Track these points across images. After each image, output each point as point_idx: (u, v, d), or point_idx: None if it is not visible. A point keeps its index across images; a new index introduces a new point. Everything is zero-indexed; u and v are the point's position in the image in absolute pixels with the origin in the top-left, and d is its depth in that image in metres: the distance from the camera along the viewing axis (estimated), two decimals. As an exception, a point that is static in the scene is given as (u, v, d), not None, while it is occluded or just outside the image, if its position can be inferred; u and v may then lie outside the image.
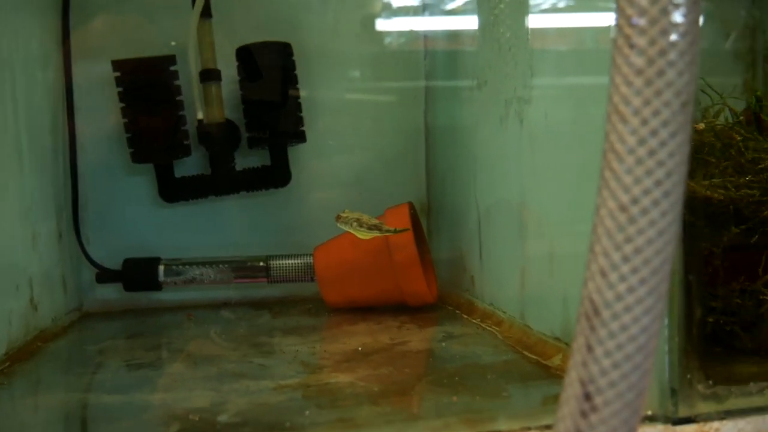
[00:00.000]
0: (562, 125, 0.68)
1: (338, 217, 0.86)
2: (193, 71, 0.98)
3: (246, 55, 0.99)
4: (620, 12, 0.36)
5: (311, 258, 0.99)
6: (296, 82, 1.01)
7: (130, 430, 0.55)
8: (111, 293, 1.05)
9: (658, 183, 0.35)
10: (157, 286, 1.02)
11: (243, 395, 0.60)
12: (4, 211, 0.78)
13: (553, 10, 0.72)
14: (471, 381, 0.62)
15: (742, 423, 0.52)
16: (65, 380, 0.70)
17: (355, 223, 0.85)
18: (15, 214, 0.81)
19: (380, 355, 0.73)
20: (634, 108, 0.35)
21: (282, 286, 1.04)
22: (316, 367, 0.70)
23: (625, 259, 0.36)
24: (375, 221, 0.86)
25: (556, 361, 0.65)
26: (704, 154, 0.70)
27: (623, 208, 0.36)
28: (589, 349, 0.36)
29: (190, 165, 1.03)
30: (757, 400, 0.53)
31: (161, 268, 1.01)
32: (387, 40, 1.13)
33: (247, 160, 1.04)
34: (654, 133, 0.35)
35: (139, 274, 1.01)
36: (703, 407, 0.52)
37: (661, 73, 0.35)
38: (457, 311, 0.94)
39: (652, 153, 0.35)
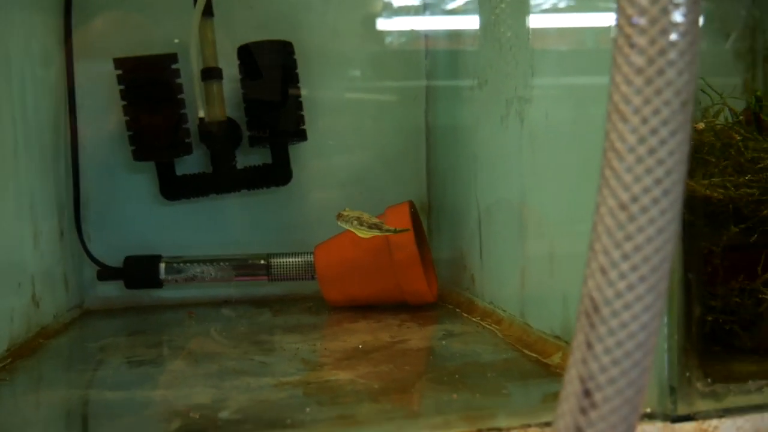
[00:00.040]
0: (563, 125, 0.69)
1: (339, 216, 0.87)
2: (195, 69, 0.99)
3: (247, 53, 0.99)
4: (621, 11, 0.36)
5: (312, 256, 1.00)
6: (297, 81, 1.02)
7: (131, 427, 0.55)
8: (112, 291, 1.05)
9: (657, 181, 0.36)
10: (158, 284, 1.02)
11: (244, 392, 0.60)
12: (7, 208, 0.78)
13: (554, 10, 0.73)
14: (471, 379, 0.62)
15: (740, 421, 0.52)
16: (67, 377, 0.71)
17: (355, 222, 0.85)
18: (17, 211, 0.81)
19: (380, 352, 0.73)
20: (635, 107, 0.35)
21: (282, 284, 1.04)
22: (317, 365, 0.70)
23: (625, 256, 0.36)
24: (375, 220, 0.87)
25: (555, 359, 0.65)
26: (704, 153, 0.70)
27: (623, 207, 0.36)
28: (589, 346, 0.36)
29: (192, 163, 1.03)
30: (755, 398, 0.53)
31: (162, 265, 1.02)
32: (388, 39, 1.13)
33: (248, 158, 1.04)
34: (654, 131, 0.36)
35: (140, 271, 1.02)
36: (702, 405, 0.53)
37: (661, 72, 0.35)
38: (458, 310, 0.94)
39: (652, 151, 0.36)
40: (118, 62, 0.95)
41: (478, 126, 0.92)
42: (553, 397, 0.55)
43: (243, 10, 1.07)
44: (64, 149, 1.00)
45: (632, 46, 0.36)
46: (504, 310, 0.82)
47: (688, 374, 0.52)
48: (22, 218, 0.83)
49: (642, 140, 0.36)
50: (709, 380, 0.53)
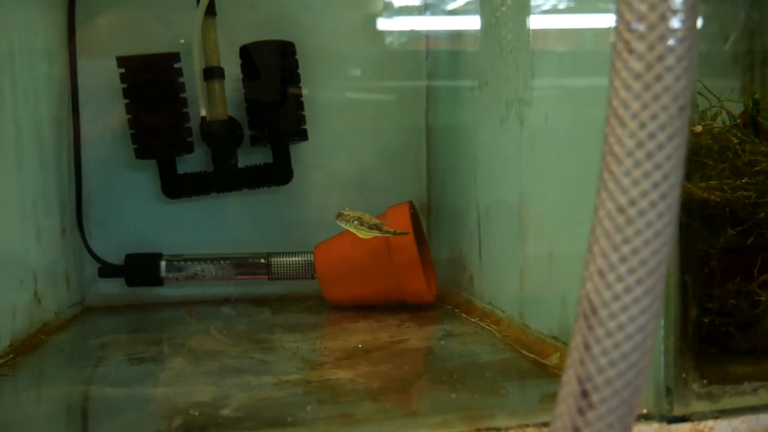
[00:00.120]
0: (562, 127, 0.69)
1: (339, 215, 0.87)
2: (197, 69, 0.99)
3: (249, 53, 1.00)
4: (620, 17, 0.36)
5: (312, 256, 1.00)
6: (299, 81, 1.02)
7: (133, 424, 0.55)
8: (113, 288, 1.05)
9: (655, 185, 0.36)
10: (158, 282, 1.03)
11: (244, 390, 0.61)
12: (10, 205, 0.79)
13: (554, 11, 0.73)
14: (470, 379, 0.63)
15: (736, 422, 0.53)
16: (68, 373, 0.71)
17: (356, 222, 0.86)
18: (21, 208, 0.82)
19: (380, 352, 0.73)
20: (633, 112, 0.36)
21: (282, 283, 1.05)
22: (317, 364, 0.71)
23: (623, 259, 0.37)
24: (375, 221, 0.87)
25: (553, 359, 0.65)
26: (702, 156, 0.71)
27: (621, 210, 0.36)
28: (587, 347, 0.37)
29: (193, 162, 1.04)
30: (750, 400, 0.54)
31: (163, 263, 1.02)
32: (389, 39, 1.13)
33: (249, 157, 1.05)
34: (652, 136, 0.36)
35: (141, 269, 1.02)
36: (698, 406, 0.53)
37: (659, 77, 0.36)
38: (456, 310, 0.94)
39: (649, 156, 0.36)
40: (121, 60, 0.96)
41: (478, 127, 0.92)
42: (551, 398, 0.55)
43: (245, 10, 1.07)
44: (66, 146, 1.01)
45: (631, 51, 0.36)
46: (503, 311, 0.83)
47: (684, 375, 0.53)
48: (25, 215, 0.83)
49: (640, 144, 0.36)
50: (705, 381, 0.53)
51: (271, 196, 1.08)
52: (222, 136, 1.01)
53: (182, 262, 1.02)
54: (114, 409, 0.59)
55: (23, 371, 0.70)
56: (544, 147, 0.73)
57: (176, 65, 0.97)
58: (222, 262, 1.03)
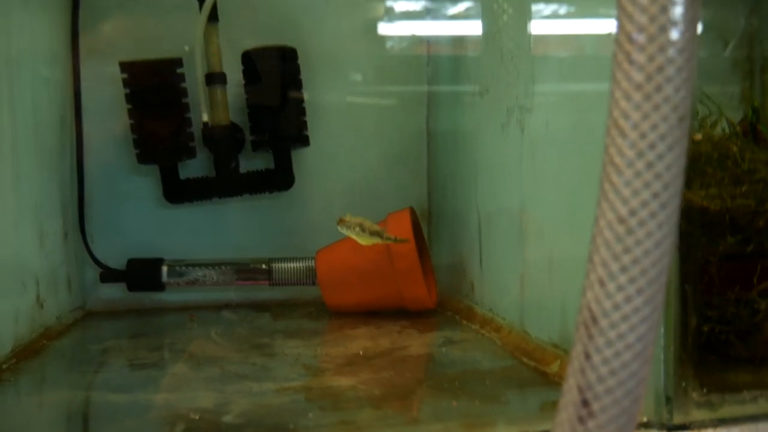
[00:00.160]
0: (563, 134, 0.69)
1: (341, 221, 0.87)
2: (199, 74, 1.00)
3: (251, 59, 1.00)
4: (620, 28, 0.37)
5: (313, 261, 1.01)
6: (301, 87, 1.03)
7: (135, 430, 0.56)
8: (114, 293, 1.06)
9: (655, 195, 0.36)
10: (160, 287, 1.03)
11: (246, 396, 0.61)
12: (13, 209, 0.79)
13: (555, 18, 0.74)
14: (470, 386, 0.63)
15: (735, 430, 0.53)
16: (70, 378, 0.71)
17: (357, 228, 0.86)
18: (23, 212, 0.82)
19: (381, 359, 0.74)
20: (633, 122, 0.36)
21: (283, 288, 1.05)
22: (318, 370, 0.71)
23: (623, 269, 0.37)
24: (377, 227, 0.88)
25: (554, 367, 0.66)
26: (702, 164, 0.71)
27: (621, 220, 0.37)
28: (587, 356, 0.37)
29: (195, 167, 1.04)
30: (750, 408, 0.54)
31: (165, 268, 1.02)
32: (390, 45, 1.14)
33: (251, 162, 1.05)
34: (652, 146, 0.36)
35: (142, 274, 1.02)
36: (698, 414, 0.53)
37: (658, 88, 0.36)
38: (457, 316, 0.95)
39: (650, 166, 0.36)
40: (124, 66, 0.96)
41: (479, 133, 0.93)
42: (551, 406, 0.56)
43: (247, 16, 1.08)
44: (69, 150, 1.01)
45: (631, 62, 0.37)
46: (503, 318, 0.83)
47: (683, 384, 0.53)
48: (27, 219, 0.84)
49: (640, 155, 0.36)
50: (704, 390, 0.54)
51: (273, 201, 1.09)
52: (224, 142, 1.02)
53: (184, 268, 1.03)
54: (116, 415, 0.59)
55: (25, 376, 0.70)
56: (545, 154, 0.73)
57: (179, 71, 0.97)
58: (223, 267, 1.03)
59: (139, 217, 1.06)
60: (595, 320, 0.37)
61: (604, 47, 0.62)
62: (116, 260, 1.03)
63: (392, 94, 1.15)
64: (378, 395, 0.61)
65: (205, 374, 0.69)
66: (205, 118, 1.01)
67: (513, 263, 0.80)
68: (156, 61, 0.97)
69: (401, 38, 1.14)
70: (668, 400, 0.53)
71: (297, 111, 1.02)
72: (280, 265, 1.03)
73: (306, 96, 1.04)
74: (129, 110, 0.97)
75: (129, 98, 0.97)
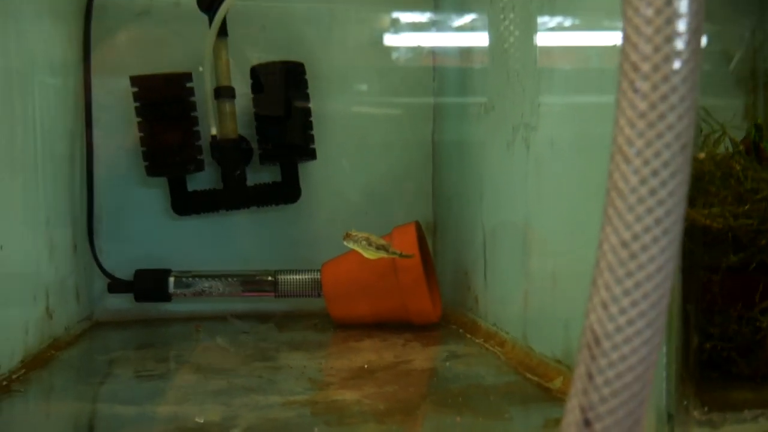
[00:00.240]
0: (568, 152, 0.70)
1: (347, 236, 0.88)
2: (208, 88, 1.01)
3: (259, 73, 1.01)
4: (624, 57, 0.38)
5: (319, 274, 1.01)
6: (308, 101, 1.04)
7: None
8: (121, 303, 1.07)
9: (658, 221, 0.37)
10: (166, 298, 1.04)
11: (253, 410, 0.62)
12: (25, 221, 0.80)
13: (561, 37, 0.75)
14: (474, 402, 0.64)
15: (736, 449, 0.54)
16: (79, 390, 0.72)
17: (364, 242, 0.87)
18: (35, 224, 0.83)
19: (385, 372, 0.74)
20: (637, 149, 0.37)
21: (288, 300, 1.06)
22: (324, 384, 0.72)
23: (626, 292, 0.38)
24: (383, 241, 0.88)
25: (557, 383, 0.66)
26: (704, 182, 0.72)
27: (625, 244, 0.38)
28: (590, 377, 0.38)
29: (203, 179, 1.05)
30: (750, 428, 0.55)
31: (171, 279, 1.03)
32: (396, 57, 1.15)
33: (258, 175, 1.06)
34: (655, 173, 0.37)
35: (150, 285, 1.03)
36: (699, 433, 0.54)
37: (662, 116, 0.37)
38: (461, 330, 0.95)
39: (653, 192, 0.37)
40: (134, 80, 0.98)
41: (484, 149, 0.94)
42: (554, 423, 0.56)
43: (256, 31, 1.09)
44: (79, 161, 1.02)
45: (635, 90, 0.37)
46: (507, 332, 0.84)
47: (685, 402, 0.53)
48: (39, 230, 0.85)
49: (644, 181, 0.37)
50: (705, 408, 0.54)
51: (279, 214, 1.10)
52: (231, 154, 1.03)
53: (190, 279, 1.04)
54: (124, 427, 0.60)
55: (35, 387, 0.71)
56: (550, 172, 0.74)
57: (188, 84, 0.99)
58: (229, 279, 1.04)
59: (147, 229, 1.08)
60: (597, 342, 0.38)
61: (609, 60, 0.63)
62: (124, 271, 1.04)
63: (398, 108, 1.16)
64: (382, 410, 0.61)
65: (211, 386, 0.70)
66: (214, 131, 1.02)
67: (517, 278, 0.81)
68: (166, 75, 0.98)
69: (407, 50, 1.15)
70: (670, 418, 0.53)
71: (304, 125, 1.04)
72: (285, 277, 1.04)
73: (313, 109, 1.05)
74: (139, 123, 0.98)
75: (139, 111, 0.98)
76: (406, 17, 1.14)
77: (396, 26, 1.14)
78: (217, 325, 1.02)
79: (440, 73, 1.14)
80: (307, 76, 1.05)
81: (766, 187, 0.71)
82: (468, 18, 1.05)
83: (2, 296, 0.73)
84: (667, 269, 0.37)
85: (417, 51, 1.16)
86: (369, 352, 0.84)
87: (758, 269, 0.67)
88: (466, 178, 1.01)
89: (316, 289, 1.03)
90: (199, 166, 1.01)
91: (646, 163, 0.37)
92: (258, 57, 1.05)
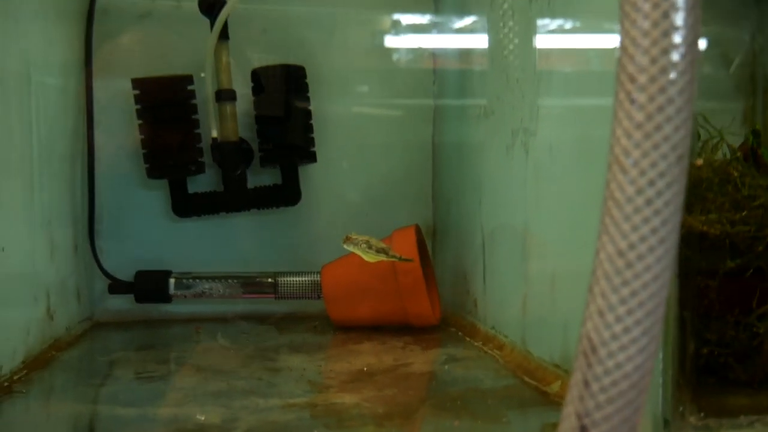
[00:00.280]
0: (566, 158, 0.71)
1: (347, 239, 0.89)
2: (209, 91, 1.01)
3: (260, 76, 1.02)
4: (622, 68, 0.38)
5: (318, 276, 1.02)
6: (308, 104, 1.04)
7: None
8: (122, 304, 1.07)
9: (654, 231, 0.38)
10: (167, 299, 1.04)
11: (253, 412, 0.62)
12: (28, 222, 0.81)
13: (560, 45, 0.75)
14: (472, 405, 0.64)
15: (732, 454, 0.54)
16: (80, 391, 0.73)
17: (364, 245, 0.87)
18: (37, 225, 0.84)
19: (385, 376, 0.75)
20: (633, 159, 0.38)
21: (288, 302, 1.06)
22: (323, 387, 0.72)
23: (622, 301, 0.38)
24: (382, 245, 0.89)
25: (555, 387, 0.67)
26: (702, 189, 0.72)
27: (621, 253, 0.38)
28: (586, 384, 0.38)
29: (203, 181, 1.06)
30: (746, 433, 0.55)
31: (172, 281, 1.04)
32: (396, 60, 1.16)
33: (258, 178, 1.07)
34: (651, 183, 0.38)
35: (150, 286, 1.04)
36: (695, 439, 0.54)
37: (658, 127, 0.38)
38: (460, 333, 0.96)
39: (649, 202, 0.38)
40: (136, 82, 0.98)
41: (483, 153, 0.94)
42: (552, 427, 0.57)
43: (257, 34, 1.10)
44: (80, 163, 1.03)
45: (632, 102, 0.38)
46: (505, 336, 0.84)
47: (681, 408, 0.54)
48: (40, 231, 0.85)
49: (640, 191, 0.38)
50: (701, 414, 0.55)
51: (280, 216, 1.10)
52: (232, 157, 1.03)
53: (191, 280, 1.04)
54: (124, 429, 0.60)
55: (36, 388, 0.72)
56: (549, 176, 0.75)
57: (189, 87, 0.99)
58: (230, 280, 1.04)
59: (148, 230, 1.08)
60: (594, 349, 0.38)
61: (608, 65, 0.63)
62: (124, 272, 1.05)
63: (399, 110, 1.17)
64: (381, 413, 0.62)
65: (211, 388, 0.70)
66: (215, 133, 1.02)
67: (516, 282, 0.82)
68: (167, 78, 0.99)
69: (408, 51, 1.16)
70: (666, 423, 0.54)
71: (304, 128, 1.04)
72: (285, 279, 1.04)
73: (313, 112, 1.05)
74: (140, 125, 0.99)
75: (140, 114, 0.99)
76: (406, 20, 1.15)
77: (396, 29, 1.15)
78: (218, 326, 1.02)
79: (440, 76, 1.14)
80: (308, 79, 1.05)
81: (763, 194, 0.72)
82: (468, 21, 1.05)
83: (3, 297, 0.73)
84: (663, 278, 0.38)
85: (417, 54, 1.16)
86: (368, 355, 0.84)
87: (755, 275, 0.68)
88: (466, 181, 1.01)
89: (315, 291, 1.03)
90: (200, 169, 1.02)
91: (642, 173, 0.37)
92: (259, 60, 1.06)
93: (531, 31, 0.78)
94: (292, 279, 1.04)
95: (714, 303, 0.68)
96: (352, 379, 0.74)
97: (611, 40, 0.65)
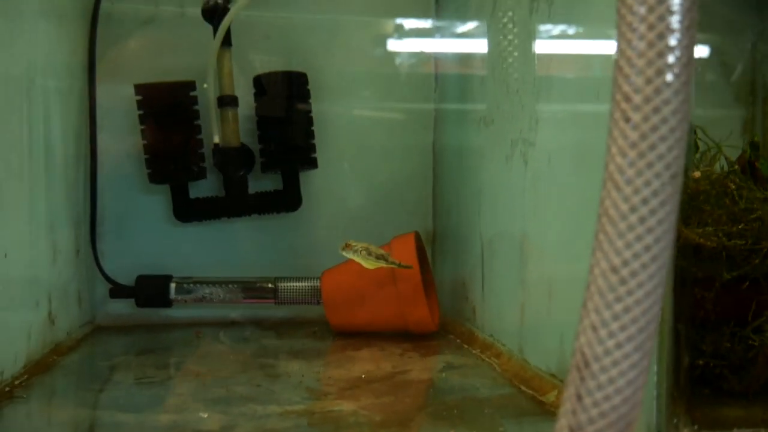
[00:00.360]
0: (565, 168, 0.71)
1: (346, 246, 0.89)
2: (212, 96, 1.02)
3: (263, 83, 1.03)
4: (617, 88, 0.39)
5: (318, 281, 1.03)
6: (310, 111, 1.05)
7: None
8: (122, 308, 1.08)
9: (647, 248, 0.38)
10: (167, 303, 1.05)
11: (250, 419, 0.63)
12: (30, 225, 0.81)
13: (559, 57, 0.76)
14: (469, 414, 0.65)
15: (724, 466, 0.55)
16: (80, 396, 0.73)
17: (363, 252, 0.88)
18: (38, 228, 0.84)
19: (382, 383, 0.75)
20: (628, 177, 0.38)
21: (288, 307, 1.07)
22: (321, 394, 0.73)
23: (615, 316, 0.39)
24: (382, 251, 0.90)
25: (550, 397, 0.67)
26: (699, 201, 0.73)
27: (614, 270, 0.39)
28: (579, 398, 0.39)
29: (205, 187, 1.07)
30: (739, 446, 0.56)
31: (173, 285, 1.04)
32: (398, 66, 1.16)
33: (259, 183, 1.08)
34: (645, 201, 0.38)
35: (151, 290, 1.04)
36: (688, 451, 0.55)
37: (653, 147, 0.38)
38: (458, 340, 0.96)
39: (642, 220, 0.38)
40: (139, 88, 0.99)
41: (483, 161, 0.95)
42: (546, 438, 0.57)
43: (260, 41, 1.10)
44: (83, 167, 1.04)
45: (627, 120, 0.39)
46: (503, 344, 0.85)
47: (675, 420, 0.54)
48: (42, 236, 0.86)
49: (633, 209, 0.38)
50: (695, 426, 0.55)
51: (280, 221, 1.11)
52: (234, 163, 1.04)
53: (191, 285, 1.05)
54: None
55: (37, 393, 0.72)
56: (547, 188, 0.75)
57: (192, 93, 1.00)
58: (230, 285, 1.05)
59: (149, 235, 1.09)
60: (587, 364, 0.39)
61: (607, 75, 0.63)
62: (125, 276, 1.05)
63: (400, 116, 1.17)
64: (378, 421, 0.63)
65: (211, 395, 0.71)
66: (216, 139, 1.03)
67: (514, 290, 0.82)
68: (170, 84, 0.99)
69: (410, 56, 1.16)
70: (660, 435, 0.54)
71: (306, 134, 1.05)
72: (286, 284, 1.05)
73: (314, 118, 1.06)
74: (142, 131, 1.00)
75: (142, 119, 0.99)
76: (408, 25, 1.15)
77: (397, 35, 1.15)
78: (218, 330, 1.03)
79: (442, 80, 1.15)
80: (310, 85, 1.06)
81: (760, 207, 0.72)
82: (471, 25, 1.06)
83: (5, 301, 0.74)
84: (655, 295, 0.39)
85: (419, 60, 1.17)
86: (367, 362, 0.85)
87: (751, 287, 0.68)
88: (466, 189, 1.02)
89: (315, 296, 1.04)
90: (201, 174, 1.02)
91: (636, 191, 0.38)
92: (261, 66, 1.06)
93: (531, 43, 0.78)
94: (292, 284, 1.05)
95: (710, 314, 0.68)
96: (351, 386, 0.74)
97: (611, 51, 0.66)
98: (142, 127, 1.00)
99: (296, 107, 1.04)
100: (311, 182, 1.11)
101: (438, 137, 1.16)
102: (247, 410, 0.65)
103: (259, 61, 1.08)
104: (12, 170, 0.76)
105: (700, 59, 0.89)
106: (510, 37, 0.84)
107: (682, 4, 0.37)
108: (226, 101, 1.03)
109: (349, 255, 0.89)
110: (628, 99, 0.38)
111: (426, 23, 1.16)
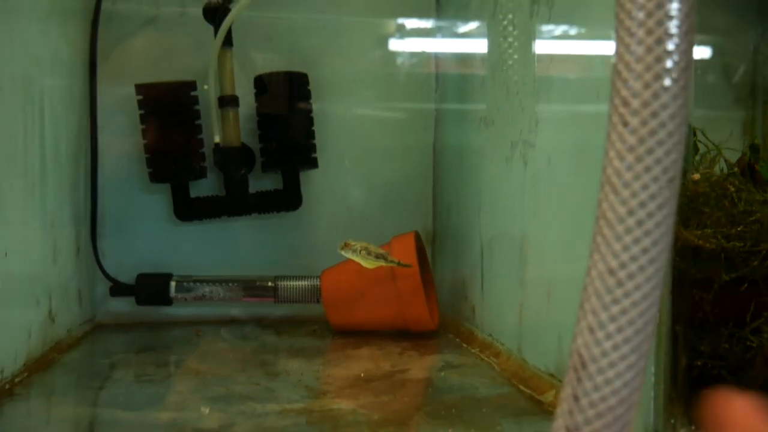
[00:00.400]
0: (565, 169, 0.72)
1: (345, 245, 0.90)
2: (212, 96, 1.02)
3: (263, 83, 1.03)
4: (615, 92, 0.39)
5: (318, 281, 1.03)
6: (310, 111, 1.05)
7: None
8: (123, 306, 1.08)
9: (644, 251, 0.39)
10: (168, 302, 1.05)
11: (249, 418, 0.63)
12: (30, 223, 0.82)
13: (559, 59, 0.76)
14: (467, 413, 0.65)
15: (721, 467, 0.55)
16: (80, 394, 0.74)
17: (363, 252, 0.88)
18: (39, 227, 0.85)
19: (381, 382, 0.76)
20: (625, 181, 0.39)
21: (288, 305, 1.07)
22: (320, 392, 0.73)
23: (612, 318, 0.39)
24: (381, 251, 0.90)
25: (549, 397, 0.68)
26: (699, 203, 0.73)
27: (612, 272, 0.39)
28: (576, 399, 0.39)
29: (205, 186, 1.07)
30: (736, 447, 0.56)
31: (173, 284, 1.05)
32: (399, 66, 1.17)
33: (260, 183, 1.08)
34: (642, 205, 0.39)
35: (151, 289, 1.05)
36: (685, 451, 0.55)
37: (650, 151, 0.38)
38: (457, 339, 0.97)
39: (640, 223, 0.39)
40: (140, 88, 0.99)
41: (483, 162, 0.95)
42: (544, 438, 0.58)
43: (261, 41, 1.11)
44: (84, 166, 1.04)
45: (625, 124, 0.39)
46: (502, 344, 0.85)
47: (672, 421, 0.55)
48: (43, 234, 0.86)
49: (631, 212, 0.39)
50: (693, 427, 0.56)
51: (281, 221, 1.11)
52: (234, 162, 1.04)
53: (191, 283, 1.05)
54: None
55: (36, 391, 0.73)
56: (546, 189, 0.76)
57: (192, 93, 1.00)
58: (230, 284, 1.05)
59: (150, 234, 1.09)
60: (584, 365, 0.39)
61: (606, 76, 0.63)
62: (126, 275, 1.06)
63: (400, 116, 1.17)
64: (377, 420, 0.63)
65: (210, 393, 0.71)
66: (217, 139, 1.03)
67: (513, 290, 0.82)
68: (170, 84, 1.00)
69: (410, 56, 1.17)
70: (657, 436, 0.55)
71: (306, 134, 1.05)
72: (286, 283, 1.05)
73: (315, 118, 1.06)
74: (143, 130, 1.00)
75: (143, 118, 1.00)
76: (409, 25, 1.16)
77: (398, 36, 1.16)
78: (217, 329, 1.03)
79: (443, 80, 1.15)
80: (311, 85, 1.06)
81: (759, 209, 0.73)
82: (473, 25, 1.06)
83: (6, 299, 0.74)
84: (653, 297, 0.39)
85: (419, 62, 1.17)
86: (366, 361, 0.85)
87: (750, 289, 0.69)
88: (466, 189, 1.02)
89: (315, 295, 1.04)
90: (202, 173, 1.03)
91: (633, 195, 0.38)
92: (262, 66, 1.07)
93: (531, 45, 0.79)
94: (292, 283, 1.05)
95: (708, 315, 0.69)
96: (350, 385, 0.75)
97: (610, 53, 0.66)
98: (143, 126, 1.00)
99: (297, 107, 1.04)
100: (311, 182, 1.12)
101: (438, 137, 1.16)
102: (247, 408, 0.65)
103: (260, 61, 1.09)
104: (13, 169, 0.77)
105: (701, 61, 0.89)
106: (510, 39, 0.85)
107: (680, 9, 0.37)
108: (227, 101, 1.04)
109: (348, 255, 0.89)
110: (626, 103, 0.38)
111: (427, 23, 1.16)
